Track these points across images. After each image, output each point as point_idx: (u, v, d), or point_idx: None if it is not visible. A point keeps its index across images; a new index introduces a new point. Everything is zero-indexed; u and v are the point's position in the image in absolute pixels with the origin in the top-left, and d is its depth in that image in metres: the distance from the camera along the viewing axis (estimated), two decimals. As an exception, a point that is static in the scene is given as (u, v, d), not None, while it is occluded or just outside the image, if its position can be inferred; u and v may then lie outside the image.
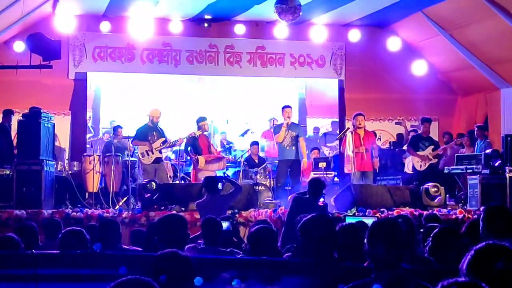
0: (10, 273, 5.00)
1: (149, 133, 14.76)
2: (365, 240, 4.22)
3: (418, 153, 15.10)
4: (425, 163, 15.04)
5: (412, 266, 4.96)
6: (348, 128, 14.56)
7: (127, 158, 14.82)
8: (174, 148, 16.39)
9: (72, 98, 17.63)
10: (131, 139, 15.11)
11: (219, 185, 10.70)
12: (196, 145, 15.09)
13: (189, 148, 15.05)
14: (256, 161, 16.35)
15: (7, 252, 6.19)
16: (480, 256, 3.25)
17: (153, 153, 14.64)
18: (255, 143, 16.73)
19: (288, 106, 14.68)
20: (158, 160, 14.75)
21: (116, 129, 16.55)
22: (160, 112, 15.15)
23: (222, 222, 8.05)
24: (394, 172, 16.19)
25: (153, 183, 13.48)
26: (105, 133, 18.40)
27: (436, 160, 15.23)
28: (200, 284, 3.66)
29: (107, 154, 14.74)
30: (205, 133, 15.21)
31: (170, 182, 15.09)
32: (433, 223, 7.94)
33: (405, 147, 16.54)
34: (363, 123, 14.57)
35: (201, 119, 15.38)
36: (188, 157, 15.56)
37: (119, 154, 14.92)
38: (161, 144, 14.76)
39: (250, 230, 6.73)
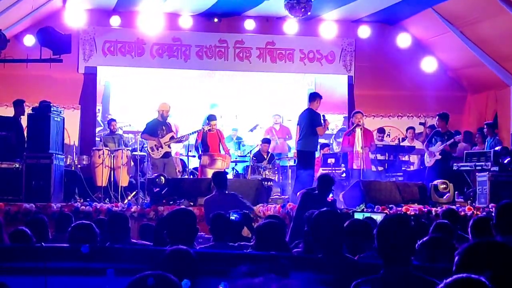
0: (20, 266, 5.02)
1: (159, 127, 14.78)
2: (375, 236, 4.21)
3: (429, 149, 15.13)
4: (432, 159, 15.03)
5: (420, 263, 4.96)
6: (358, 124, 14.55)
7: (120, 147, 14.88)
8: (184, 143, 16.39)
9: (82, 92, 17.69)
10: (140, 133, 15.16)
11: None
12: (205, 141, 15.14)
13: (199, 144, 15.16)
14: (265, 156, 16.35)
15: (17, 245, 6.21)
16: (469, 254, 3.23)
17: (162, 148, 14.66)
18: (266, 141, 16.72)
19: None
20: (167, 155, 14.77)
21: (110, 122, 16.47)
22: (170, 107, 15.18)
23: (231, 213, 8.06)
24: (402, 169, 16.18)
25: (162, 177, 13.50)
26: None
27: (440, 156, 15.14)
28: (188, 287, 3.66)
29: (117, 148, 14.76)
30: (212, 131, 15.23)
31: (179, 176, 15.11)
32: (449, 219, 7.71)
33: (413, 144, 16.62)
34: (362, 121, 14.60)
35: (211, 118, 15.41)
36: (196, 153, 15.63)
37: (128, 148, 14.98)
38: (170, 139, 14.79)
39: (259, 225, 6.74)
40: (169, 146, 14.85)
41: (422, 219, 11.05)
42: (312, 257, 5.13)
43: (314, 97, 14.11)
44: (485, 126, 16.36)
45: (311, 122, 13.63)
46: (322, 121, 13.68)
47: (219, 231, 7.17)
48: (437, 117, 15.48)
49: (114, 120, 16.35)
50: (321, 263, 4.84)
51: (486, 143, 15.98)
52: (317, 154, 14.71)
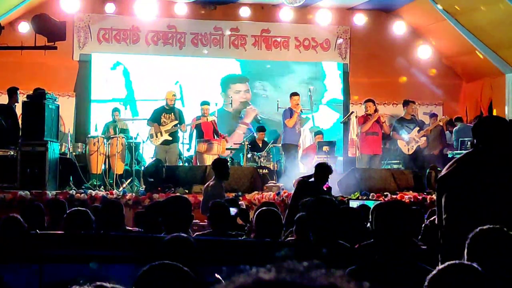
0: (15, 253, 5.03)
1: (162, 114, 14.77)
2: (371, 220, 4.22)
3: (408, 136, 15.14)
4: (412, 146, 15.04)
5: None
6: (353, 112, 14.57)
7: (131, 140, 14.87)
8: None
9: (77, 79, 17.65)
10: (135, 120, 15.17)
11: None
12: (200, 128, 15.16)
13: (194, 132, 15.18)
14: (260, 145, 16.35)
15: (13, 232, 6.22)
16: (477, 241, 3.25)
17: (161, 135, 14.67)
18: (262, 130, 16.70)
19: (297, 94, 14.84)
20: (167, 142, 14.75)
21: (113, 112, 16.45)
22: (174, 94, 15.15)
23: (230, 208, 8.07)
24: (397, 156, 16.18)
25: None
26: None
27: (423, 142, 15.15)
28: None
29: (111, 136, 14.76)
30: (206, 118, 15.21)
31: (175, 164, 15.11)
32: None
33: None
34: (370, 110, 14.68)
35: (202, 103, 15.44)
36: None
37: (124, 135, 14.98)
38: (173, 127, 14.76)
39: (257, 212, 6.72)
40: (170, 134, 14.79)
41: (417, 206, 11.10)
42: (308, 244, 5.14)
43: (289, 96, 14.92)
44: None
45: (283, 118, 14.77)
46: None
47: (219, 219, 7.17)
48: (409, 103, 15.43)
49: (118, 110, 16.33)
50: (315, 250, 4.86)
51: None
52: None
